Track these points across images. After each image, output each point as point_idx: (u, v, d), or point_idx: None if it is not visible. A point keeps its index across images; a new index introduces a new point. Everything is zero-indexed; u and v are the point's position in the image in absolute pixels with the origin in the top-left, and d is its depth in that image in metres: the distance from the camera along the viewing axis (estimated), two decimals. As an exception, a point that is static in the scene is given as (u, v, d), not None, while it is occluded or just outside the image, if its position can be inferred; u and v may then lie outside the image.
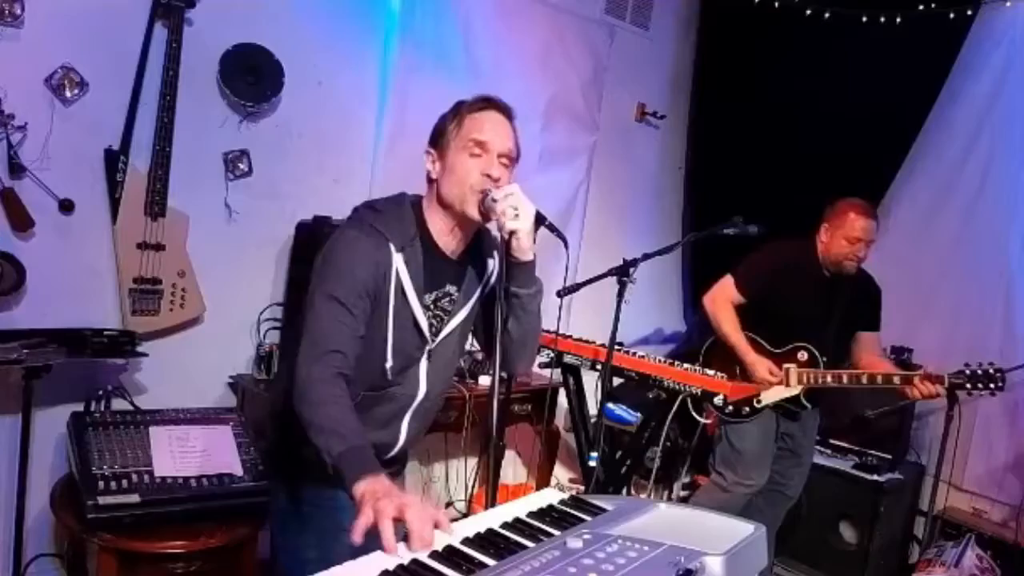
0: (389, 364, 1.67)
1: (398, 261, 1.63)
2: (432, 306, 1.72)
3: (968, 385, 2.87)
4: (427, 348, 1.73)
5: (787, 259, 3.08)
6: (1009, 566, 3.53)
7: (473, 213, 1.65)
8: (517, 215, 1.59)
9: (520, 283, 1.69)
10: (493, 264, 1.82)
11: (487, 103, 1.69)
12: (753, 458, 3.17)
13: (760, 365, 3.04)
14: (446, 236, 1.71)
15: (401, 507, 1.23)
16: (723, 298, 3.13)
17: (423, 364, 1.74)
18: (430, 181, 1.72)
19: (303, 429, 1.47)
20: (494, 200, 1.59)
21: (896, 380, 2.93)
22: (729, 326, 3.10)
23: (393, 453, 1.80)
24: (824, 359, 3.05)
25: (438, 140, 1.70)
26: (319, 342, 1.54)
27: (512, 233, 1.60)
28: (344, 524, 1.63)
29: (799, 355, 3.07)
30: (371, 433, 1.63)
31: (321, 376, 1.50)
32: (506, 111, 1.70)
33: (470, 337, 1.92)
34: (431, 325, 1.72)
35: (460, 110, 1.69)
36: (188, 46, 2.73)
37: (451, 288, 1.74)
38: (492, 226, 1.70)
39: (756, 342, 3.12)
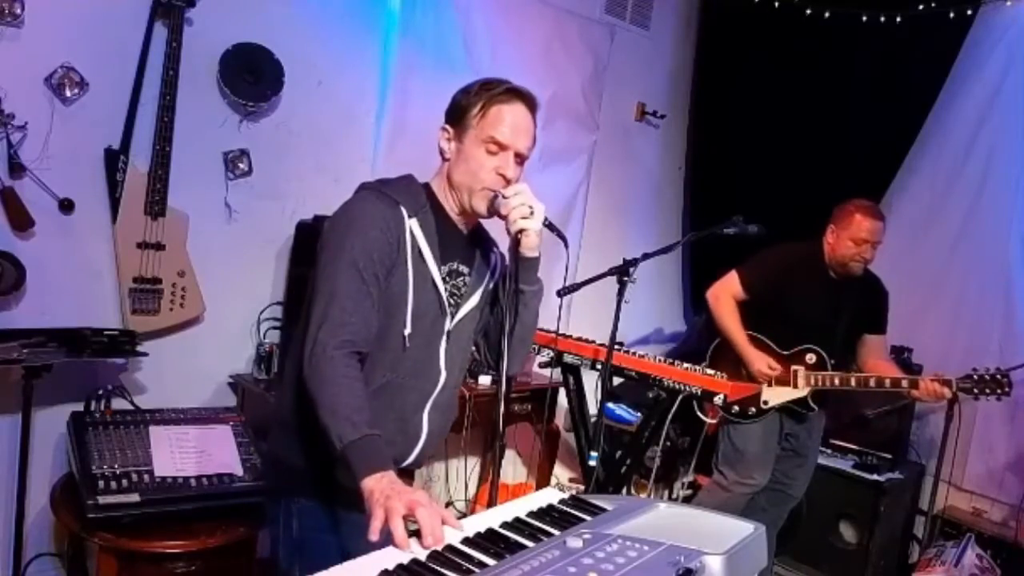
0: (408, 331, 1.60)
1: (412, 225, 1.60)
2: (447, 279, 1.68)
3: (975, 390, 2.86)
4: (447, 328, 1.69)
5: (793, 260, 3.07)
6: (1009, 566, 3.53)
7: (481, 209, 1.65)
8: (532, 213, 1.59)
9: (525, 280, 1.69)
10: (496, 256, 1.82)
11: (513, 94, 1.65)
12: (755, 458, 3.17)
13: (759, 360, 3.04)
14: (455, 214, 1.71)
15: (411, 504, 1.24)
16: (726, 292, 3.13)
17: (443, 346, 1.70)
18: (443, 158, 1.70)
19: (322, 440, 1.39)
20: (505, 198, 1.59)
21: (904, 384, 2.92)
22: (729, 320, 3.11)
23: (413, 456, 1.71)
24: (832, 361, 3.05)
25: (457, 120, 1.65)
26: (332, 313, 1.49)
27: (522, 231, 1.59)
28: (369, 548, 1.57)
29: (807, 357, 3.07)
30: (393, 431, 1.61)
31: (335, 352, 1.45)
32: (531, 103, 1.67)
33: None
34: (449, 302, 1.68)
35: (484, 96, 1.63)
36: (188, 46, 2.73)
37: (463, 267, 1.72)
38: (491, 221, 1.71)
39: (764, 343, 3.11)
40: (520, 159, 1.66)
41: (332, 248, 1.56)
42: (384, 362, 1.61)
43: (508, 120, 1.62)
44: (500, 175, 1.62)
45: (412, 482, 1.86)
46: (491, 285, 1.79)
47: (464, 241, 1.73)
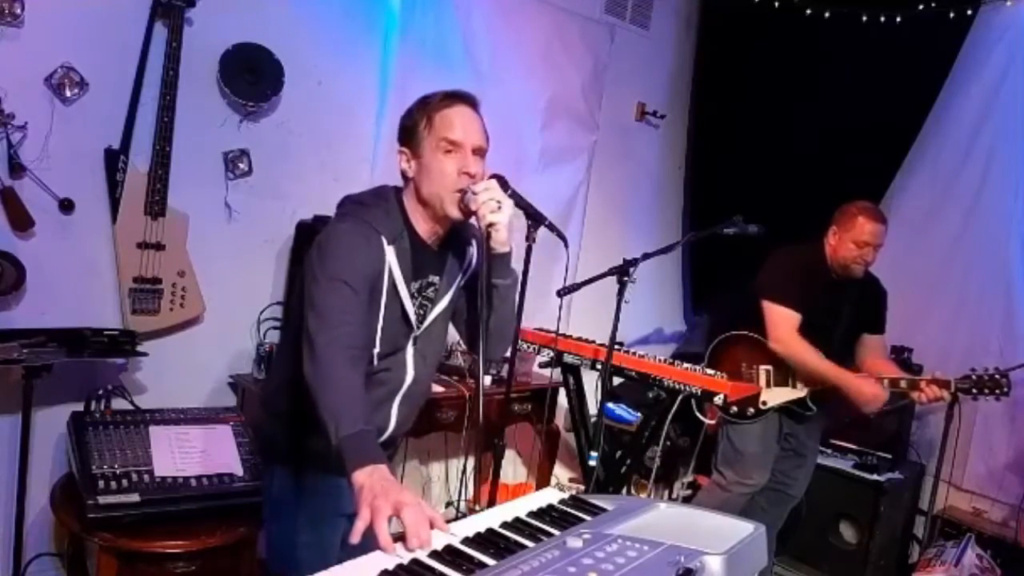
0: (376, 350, 1.69)
1: (390, 254, 1.67)
2: (417, 294, 1.76)
3: (974, 390, 2.86)
4: (413, 335, 1.78)
5: (800, 262, 3.07)
6: (1009, 566, 3.53)
7: (454, 213, 1.70)
8: (499, 207, 1.64)
9: (498, 274, 1.74)
10: (471, 252, 1.87)
11: (452, 98, 1.71)
12: (754, 459, 3.17)
13: (866, 386, 2.91)
14: (428, 230, 1.76)
15: (397, 505, 1.24)
16: (788, 330, 2.96)
17: (409, 350, 1.78)
18: (406, 179, 1.75)
19: (303, 417, 1.49)
20: (474, 193, 1.64)
21: (903, 384, 2.92)
22: (812, 358, 2.94)
23: (384, 437, 1.82)
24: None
25: (409, 138, 1.72)
26: (330, 317, 1.55)
27: (491, 225, 1.65)
28: (341, 509, 1.70)
29: None
30: None
31: (335, 352, 1.51)
32: (473, 103, 1.73)
33: (450, 329, 1.96)
34: (417, 315, 1.76)
35: (427, 108, 1.70)
36: (188, 46, 2.73)
37: (434, 278, 1.79)
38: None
39: (764, 343, 3.10)
40: (479, 153, 1.71)
41: (321, 269, 1.61)
42: None
43: (455, 120, 1.68)
44: (464, 173, 1.67)
45: (394, 453, 2.00)
46: (463, 282, 1.86)
47: (435, 255, 1.79)
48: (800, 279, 3.01)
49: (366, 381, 1.70)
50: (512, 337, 1.94)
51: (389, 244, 1.67)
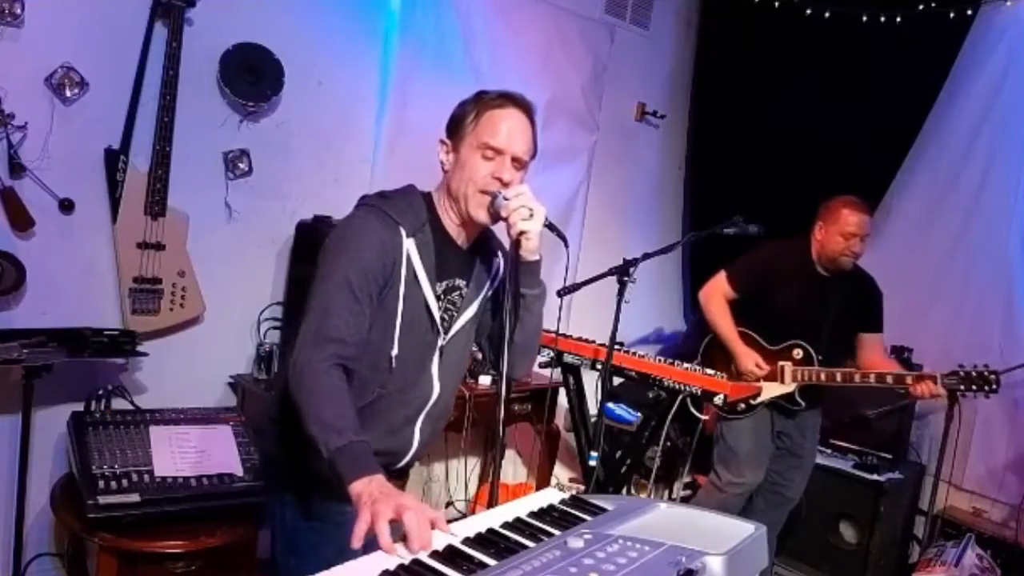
0: (395, 352, 1.61)
1: (409, 245, 1.60)
2: (443, 296, 1.68)
3: (961, 387, 2.87)
4: (439, 344, 1.70)
5: (780, 257, 3.10)
6: (1009, 566, 3.53)
7: (480, 216, 1.63)
8: (531, 215, 1.58)
9: (526, 283, 1.68)
10: (499, 262, 1.81)
11: (506, 100, 1.65)
12: (747, 457, 3.19)
13: (747, 357, 3.07)
14: (455, 227, 1.70)
15: (398, 508, 1.23)
16: (716, 292, 3.18)
17: (435, 363, 1.70)
18: (444, 171, 1.70)
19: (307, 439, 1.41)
20: (505, 199, 1.58)
21: (889, 380, 2.95)
22: (720, 317, 3.15)
23: (405, 461, 1.75)
24: (819, 357, 3.06)
25: (454, 131, 1.67)
26: (321, 328, 1.49)
27: (522, 233, 1.59)
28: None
29: (794, 352, 3.09)
30: (383, 441, 1.61)
31: (320, 364, 1.45)
32: (526, 108, 1.68)
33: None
34: (442, 318, 1.69)
35: (478, 104, 1.65)
36: (188, 46, 2.73)
37: (460, 281, 1.72)
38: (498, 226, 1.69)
39: (751, 338, 3.14)
40: (518, 164, 1.65)
41: (328, 265, 1.56)
42: (374, 379, 1.63)
43: (502, 125, 1.63)
44: (496, 179, 1.61)
45: (406, 483, 1.88)
46: (490, 292, 1.79)
47: (463, 255, 1.73)
48: (768, 275, 3.08)
49: (391, 401, 1.65)
50: (535, 353, 1.86)
51: (408, 236, 1.60)
